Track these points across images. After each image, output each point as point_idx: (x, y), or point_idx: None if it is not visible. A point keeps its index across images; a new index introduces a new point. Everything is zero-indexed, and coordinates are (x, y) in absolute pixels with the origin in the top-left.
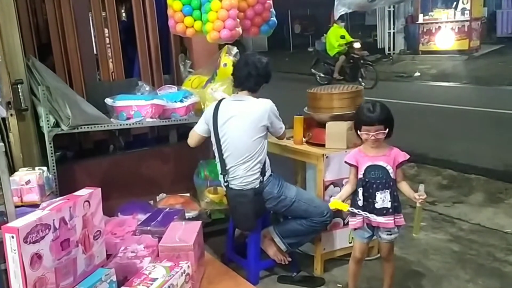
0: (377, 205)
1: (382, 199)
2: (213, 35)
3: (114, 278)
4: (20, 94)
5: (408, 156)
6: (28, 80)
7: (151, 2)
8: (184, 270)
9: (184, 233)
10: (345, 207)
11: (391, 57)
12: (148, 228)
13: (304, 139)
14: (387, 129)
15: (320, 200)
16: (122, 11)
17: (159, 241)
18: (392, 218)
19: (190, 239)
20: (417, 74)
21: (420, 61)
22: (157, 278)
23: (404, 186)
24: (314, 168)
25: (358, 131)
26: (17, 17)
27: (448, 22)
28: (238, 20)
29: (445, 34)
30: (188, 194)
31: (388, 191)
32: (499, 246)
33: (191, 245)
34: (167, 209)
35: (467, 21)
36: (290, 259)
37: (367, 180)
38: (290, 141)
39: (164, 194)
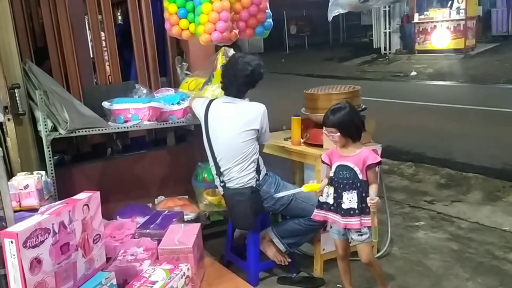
0: (344, 206)
1: (349, 199)
2: (204, 37)
3: (114, 281)
4: (17, 98)
5: (378, 159)
6: (25, 85)
7: (147, 5)
8: (184, 273)
9: (183, 235)
10: (317, 187)
11: (387, 57)
12: (147, 231)
13: (301, 140)
14: (339, 134)
15: (317, 198)
16: (118, 14)
17: (158, 244)
18: (359, 219)
19: (189, 242)
20: (414, 73)
21: (416, 60)
22: (157, 281)
23: (371, 190)
24: (312, 169)
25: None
26: (13, 21)
27: (443, 21)
28: (230, 22)
29: (441, 33)
30: (186, 197)
31: (355, 191)
32: (497, 244)
33: (190, 248)
34: (166, 212)
35: (462, 20)
36: (289, 260)
37: (335, 179)
38: (288, 142)
39: (163, 197)
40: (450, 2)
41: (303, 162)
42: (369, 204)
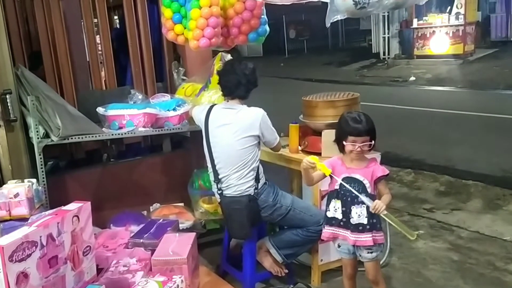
0: (353, 221)
1: (358, 214)
2: (192, 43)
3: None
4: (8, 104)
5: (387, 172)
6: (17, 90)
7: (143, 9)
8: (178, 285)
9: (177, 245)
10: (328, 172)
11: (386, 62)
12: (141, 240)
13: (299, 148)
14: (372, 141)
15: (316, 208)
16: (115, 18)
17: (152, 254)
18: (370, 235)
19: (184, 252)
20: (412, 78)
21: (415, 66)
22: None
23: (382, 198)
24: None
25: (344, 142)
26: (6, 25)
27: (442, 26)
28: (220, 28)
29: (440, 39)
30: (182, 204)
31: (365, 206)
32: (498, 254)
33: (185, 258)
34: (161, 220)
35: (461, 25)
36: (286, 271)
37: (342, 192)
38: (285, 150)
39: (158, 204)
40: (449, 8)
41: (301, 170)
42: (372, 211)
